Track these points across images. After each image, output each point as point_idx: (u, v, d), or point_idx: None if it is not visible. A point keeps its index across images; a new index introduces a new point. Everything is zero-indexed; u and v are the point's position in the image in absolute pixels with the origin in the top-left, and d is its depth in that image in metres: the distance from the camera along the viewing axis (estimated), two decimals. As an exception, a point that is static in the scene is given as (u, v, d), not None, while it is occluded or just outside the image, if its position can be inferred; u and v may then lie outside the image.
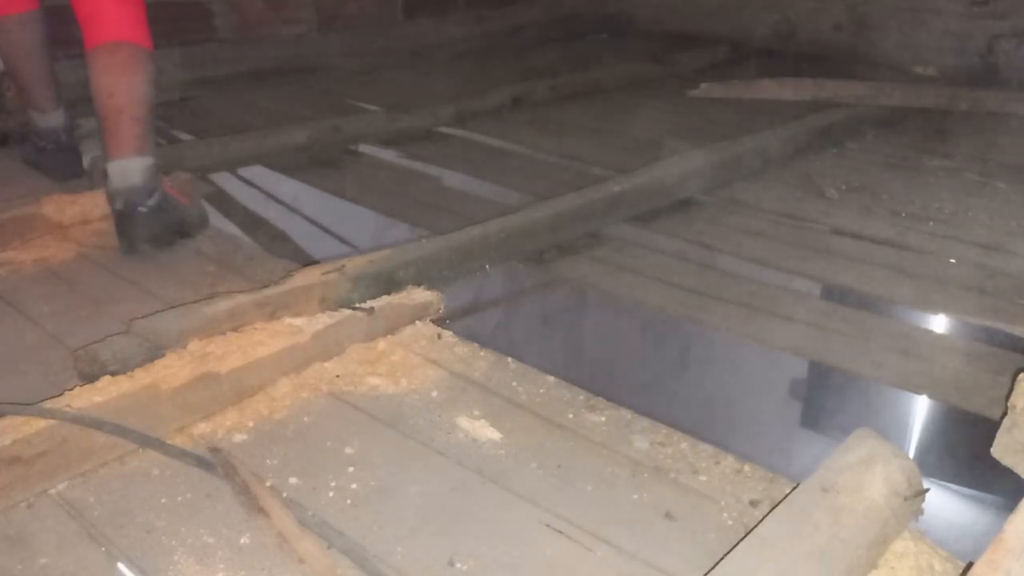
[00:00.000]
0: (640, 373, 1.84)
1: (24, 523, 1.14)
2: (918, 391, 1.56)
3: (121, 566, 1.07)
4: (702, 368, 1.83)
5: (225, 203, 2.44)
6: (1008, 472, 1.24)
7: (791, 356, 1.69)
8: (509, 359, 1.55)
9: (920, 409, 1.66)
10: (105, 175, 1.95)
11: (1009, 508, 0.98)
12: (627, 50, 4.49)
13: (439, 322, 1.69)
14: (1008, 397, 1.25)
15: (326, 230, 2.42)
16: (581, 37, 4.92)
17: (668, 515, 1.16)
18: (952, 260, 2.08)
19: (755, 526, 1.03)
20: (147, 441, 1.26)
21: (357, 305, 1.60)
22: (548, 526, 1.14)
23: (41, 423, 1.19)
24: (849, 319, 1.80)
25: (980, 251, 2.13)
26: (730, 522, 1.15)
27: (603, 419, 1.37)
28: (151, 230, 1.95)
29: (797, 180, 2.63)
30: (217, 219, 2.19)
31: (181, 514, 1.15)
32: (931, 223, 2.31)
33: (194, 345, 1.40)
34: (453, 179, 2.63)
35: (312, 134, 2.78)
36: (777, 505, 1.08)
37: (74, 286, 1.82)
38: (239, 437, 1.32)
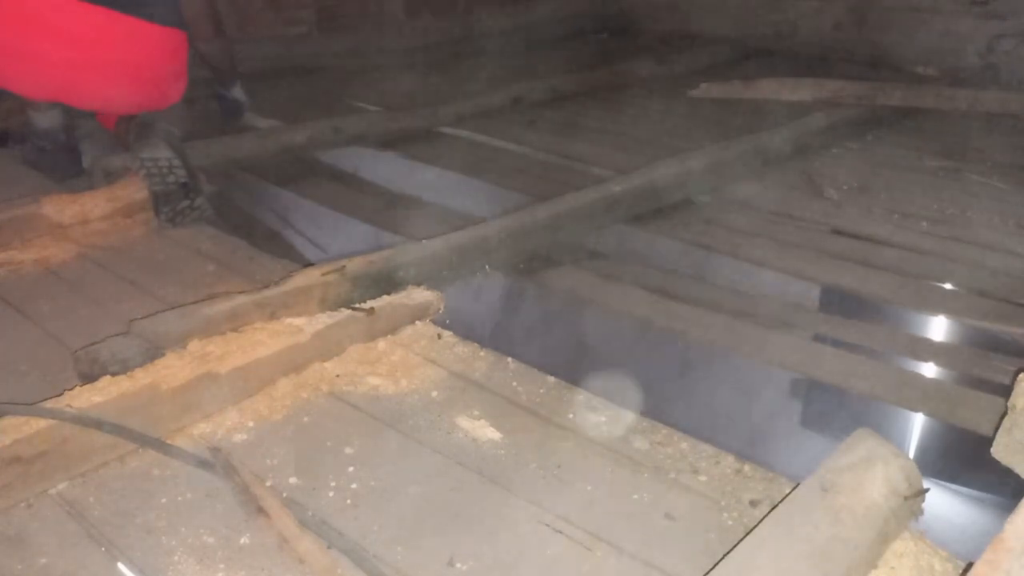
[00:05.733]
0: (640, 371, 1.84)
1: (24, 523, 1.14)
2: (914, 407, 1.55)
3: (121, 566, 1.07)
4: (702, 365, 1.83)
5: (225, 203, 2.44)
6: (1008, 472, 1.24)
7: (791, 369, 1.68)
8: (509, 359, 1.55)
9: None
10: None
11: (1009, 508, 0.98)
12: (627, 50, 4.49)
13: (439, 322, 1.69)
14: (1008, 397, 1.25)
15: (326, 230, 2.42)
16: (581, 37, 4.91)
17: (668, 515, 1.16)
18: (952, 260, 2.07)
19: (755, 526, 1.03)
20: (147, 441, 1.27)
21: (357, 305, 1.60)
22: (548, 526, 1.14)
23: (41, 423, 1.19)
24: (848, 322, 1.81)
25: (980, 251, 2.12)
26: (730, 522, 1.15)
27: (603, 419, 1.37)
28: (169, 135, 2.08)
29: (797, 180, 2.63)
30: (217, 219, 2.20)
31: (181, 514, 1.15)
32: (931, 223, 2.30)
33: (194, 345, 1.40)
34: (453, 179, 2.63)
35: (312, 134, 2.78)
36: (777, 505, 1.08)
37: (74, 286, 1.82)
38: (239, 437, 1.32)
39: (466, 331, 1.66)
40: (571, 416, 1.39)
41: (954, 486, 1.51)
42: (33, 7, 1.99)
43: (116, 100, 2.23)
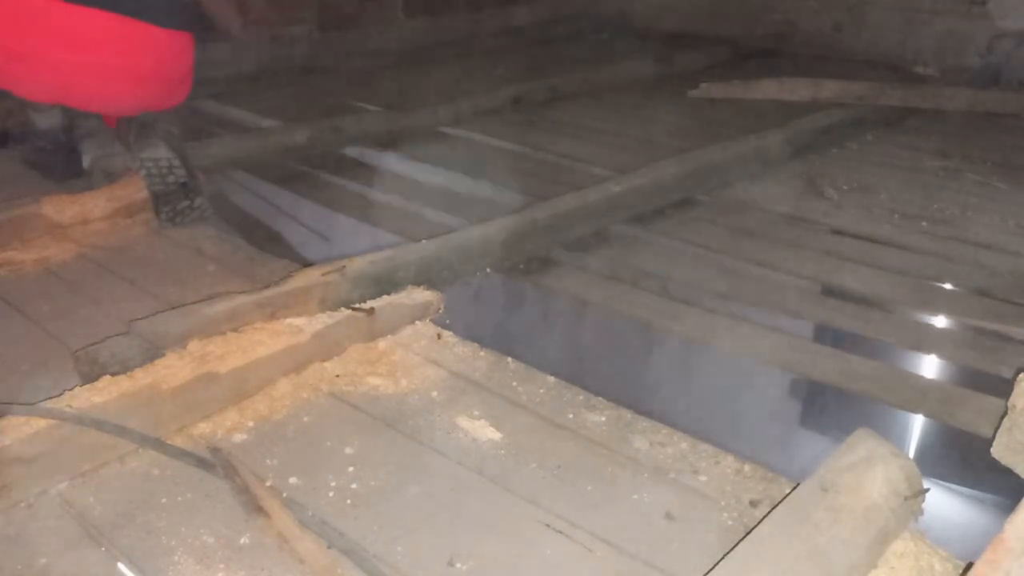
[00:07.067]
0: (640, 371, 1.84)
1: (24, 523, 1.14)
2: (914, 407, 1.55)
3: (121, 566, 1.07)
4: (702, 365, 1.83)
5: (225, 203, 2.44)
6: (1008, 472, 1.24)
7: (791, 369, 1.68)
8: (509, 359, 1.55)
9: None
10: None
11: (1009, 508, 0.98)
12: (627, 50, 4.48)
13: (439, 322, 1.69)
14: (1008, 397, 1.25)
15: (326, 231, 2.42)
16: (581, 37, 4.91)
17: (668, 515, 1.16)
18: (952, 260, 2.08)
19: (755, 526, 1.03)
20: (147, 441, 1.27)
21: (357, 305, 1.60)
22: (548, 526, 1.14)
23: (41, 423, 1.19)
24: (848, 316, 1.80)
25: (980, 251, 2.13)
26: (730, 522, 1.15)
27: (603, 419, 1.37)
28: (169, 135, 2.08)
29: (797, 180, 2.63)
30: (217, 219, 2.20)
31: (181, 514, 1.15)
32: (931, 223, 2.31)
33: (194, 345, 1.40)
34: (453, 179, 2.63)
35: (312, 134, 2.78)
36: (777, 505, 1.08)
37: (74, 286, 1.82)
38: (239, 437, 1.32)
39: (466, 331, 1.66)
40: (571, 416, 1.38)
41: (954, 486, 1.51)
42: (34, 9, 1.99)
43: (117, 102, 2.23)
